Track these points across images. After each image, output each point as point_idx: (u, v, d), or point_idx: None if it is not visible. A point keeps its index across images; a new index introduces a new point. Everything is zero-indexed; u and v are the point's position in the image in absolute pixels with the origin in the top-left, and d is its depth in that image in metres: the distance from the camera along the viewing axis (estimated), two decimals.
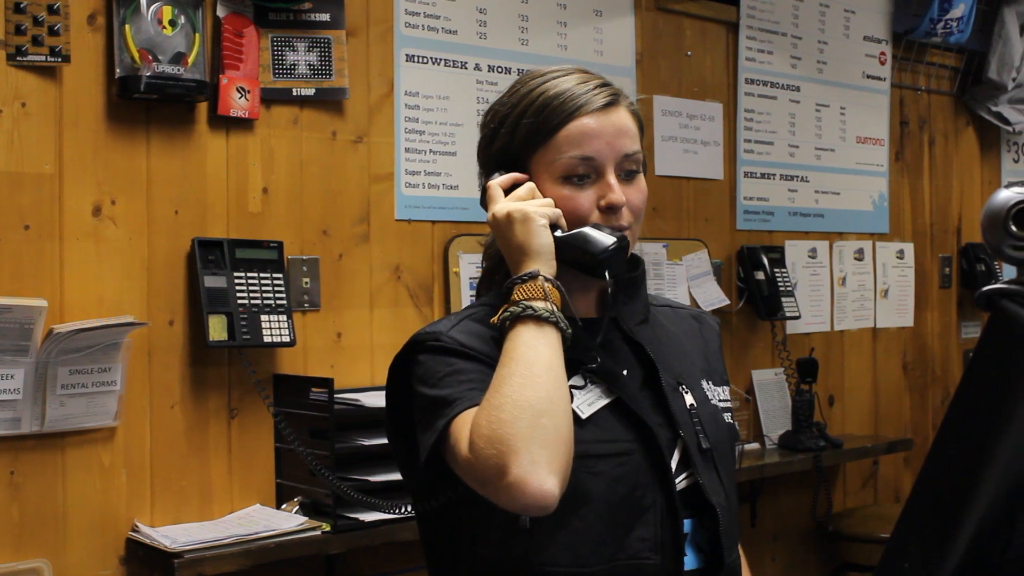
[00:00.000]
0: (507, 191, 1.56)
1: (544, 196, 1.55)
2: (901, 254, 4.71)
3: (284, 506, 2.82)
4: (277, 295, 2.80)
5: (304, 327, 2.94)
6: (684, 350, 1.67)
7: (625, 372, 1.57)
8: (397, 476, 2.67)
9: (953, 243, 4.99)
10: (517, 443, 1.34)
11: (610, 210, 1.54)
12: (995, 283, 1.12)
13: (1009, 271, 1.18)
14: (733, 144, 4.08)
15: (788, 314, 4.04)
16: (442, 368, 1.49)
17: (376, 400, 2.76)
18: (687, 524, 1.51)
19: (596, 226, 1.53)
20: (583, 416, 1.50)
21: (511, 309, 1.46)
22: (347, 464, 2.75)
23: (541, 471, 1.34)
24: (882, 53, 4.61)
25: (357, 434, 2.78)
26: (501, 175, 1.58)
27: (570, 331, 1.47)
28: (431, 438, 1.45)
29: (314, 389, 2.77)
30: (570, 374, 1.48)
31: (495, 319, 1.48)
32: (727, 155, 4.05)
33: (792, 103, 4.28)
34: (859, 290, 4.52)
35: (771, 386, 4.13)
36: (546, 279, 1.48)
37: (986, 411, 1.08)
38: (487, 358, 1.48)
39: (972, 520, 1.07)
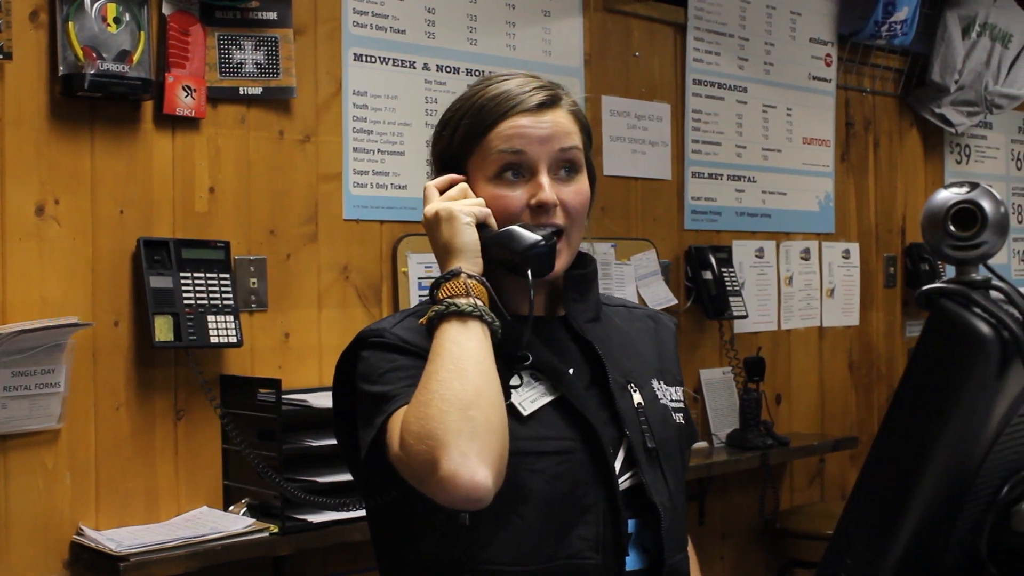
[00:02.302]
0: (444, 192, 1.56)
1: (477, 196, 1.55)
2: (847, 254, 4.76)
3: (232, 508, 2.80)
4: (224, 295, 2.78)
5: (251, 328, 2.92)
6: (636, 349, 1.66)
7: (572, 370, 1.56)
8: (345, 477, 2.68)
9: (898, 243, 5.05)
10: (446, 437, 1.33)
11: (541, 209, 1.53)
12: (936, 282, 1.13)
13: (952, 270, 1.19)
14: (681, 144, 4.10)
15: (735, 313, 4.07)
16: (383, 364, 1.49)
17: (324, 401, 2.74)
18: (631, 524, 1.50)
19: (525, 225, 1.52)
20: (525, 413, 1.49)
21: (436, 308, 1.45)
22: (295, 465, 2.73)
23: (472, 463, 1.33)
24: (827, 55, 4.66)
25: (305, 435, 2.77)
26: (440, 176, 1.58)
27: (497, 324, 1.46)
28: (370, 434, 1.45)
29: (261, 390, 2.76)
30: (507, 373, 1.47)
31: (422, 320, 1.48)
32: (675, 155, 4.08)
33: (739, 104, 4.32)
34: (805, 289, 4.57)
35: (719, 385, 4.16)
36: (469, 275, 1.47)
37: (926, 410, 1.09)
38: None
39: (913, 518, 1.08)
